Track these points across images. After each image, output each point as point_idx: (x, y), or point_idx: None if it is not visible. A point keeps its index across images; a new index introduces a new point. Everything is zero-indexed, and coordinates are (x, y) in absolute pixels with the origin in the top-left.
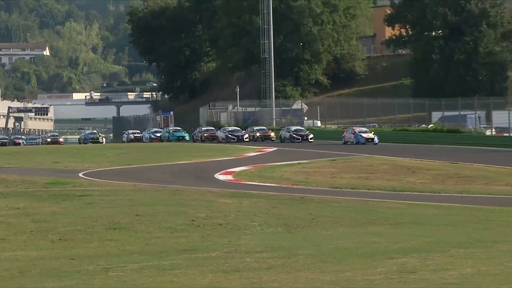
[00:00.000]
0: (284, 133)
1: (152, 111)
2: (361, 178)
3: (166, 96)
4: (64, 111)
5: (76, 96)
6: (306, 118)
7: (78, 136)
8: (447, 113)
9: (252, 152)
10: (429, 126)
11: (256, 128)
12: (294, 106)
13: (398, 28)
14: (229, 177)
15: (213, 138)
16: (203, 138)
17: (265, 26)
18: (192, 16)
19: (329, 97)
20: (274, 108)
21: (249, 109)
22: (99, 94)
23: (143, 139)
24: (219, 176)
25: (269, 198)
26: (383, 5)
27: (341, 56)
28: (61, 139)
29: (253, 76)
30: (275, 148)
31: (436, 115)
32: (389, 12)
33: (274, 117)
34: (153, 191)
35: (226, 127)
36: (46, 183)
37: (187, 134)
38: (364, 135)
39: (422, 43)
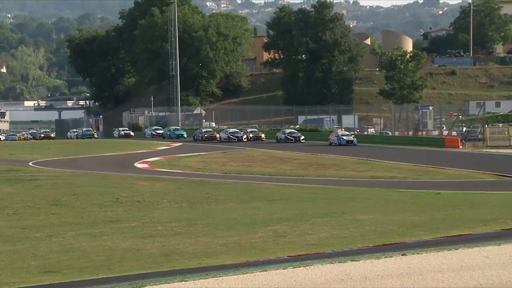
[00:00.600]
0: (280, 135)
1: (86, 115)
2: (245, 166)
3: (96, 103)
4: (17, 115)
5: (27, 103)
6: (204, 120)
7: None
8: (309, 117)
9: (163, 146)
10: (296, 127)
11: (249, 130)
12: (195, 112)
13: (273, 53)
14: (146, 165)
15: (212, 138)
16: (203, 138)
17: (173, 51)
18: (117, 42)
19: (221, 104)
20: (180, 113)
21: (160, 114)
22: (45, 102)
23: (145, 135)
24: (138, 165)
25: (176, 181)
26: (261, 35)
27: (230, 74)
28: (52, 135)
29: (164, 88)
30: (181, 143)
31: (301, 118)
32: (266, 41)
33: (180, 119)
34: (87, 176)
35: (227, 129)
36: (3, 170)
37: (185, 132)
38: (345, 138)
39: (290, 65)
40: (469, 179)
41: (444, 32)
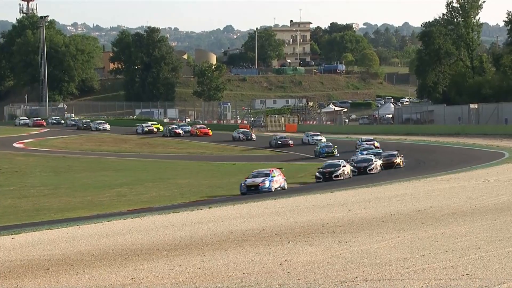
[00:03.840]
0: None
1: None
2: (97, 145)
3: None
4: None
5: None
6: (66, 112)
7: None
8: (144, 110)
9: (35, 131)
10: (134, 117)
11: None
12: (59, 106)
13: (117, 64)
14: (22, 145)
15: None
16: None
17: (42, 61)
18: (0, 56)
19: (79, 101)
20: (47, 107)
21: (33, 107)
22: None
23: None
24: (16, 145)
25: (45, 156)
26: (108, 51)
27: (85, 78)
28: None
29: (35, 89)
30: (48, 129)
31: (138, 111)
32: (111, 55)
33: (47, 112)
34: None
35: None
36: None
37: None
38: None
39: (129, 72)
40: (255, 154)
41: (238, 50)
